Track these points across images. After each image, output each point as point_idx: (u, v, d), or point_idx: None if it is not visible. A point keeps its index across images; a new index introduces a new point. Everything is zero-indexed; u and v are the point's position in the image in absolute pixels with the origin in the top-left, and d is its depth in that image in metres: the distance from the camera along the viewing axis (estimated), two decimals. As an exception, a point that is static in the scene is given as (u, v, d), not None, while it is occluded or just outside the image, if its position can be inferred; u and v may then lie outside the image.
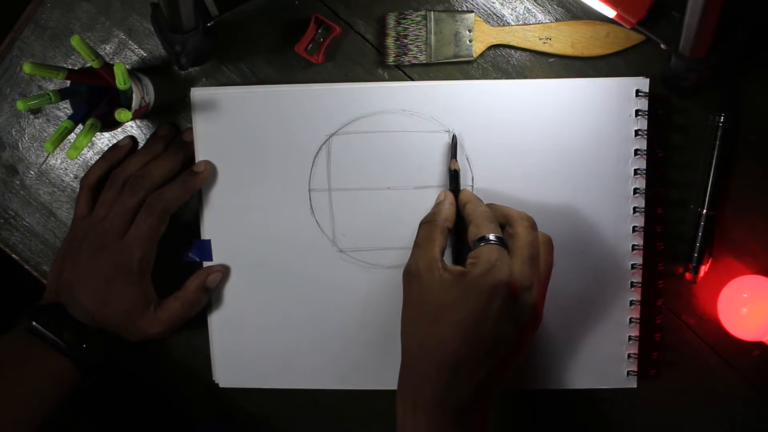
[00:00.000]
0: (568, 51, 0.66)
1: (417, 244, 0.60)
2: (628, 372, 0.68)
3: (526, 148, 0.66)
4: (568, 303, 0.67)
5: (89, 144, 0.71)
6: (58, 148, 0.69)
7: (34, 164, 0.72)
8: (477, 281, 0.56)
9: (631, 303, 0.67)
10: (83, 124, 0.61)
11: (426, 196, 0.67)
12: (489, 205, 0.62)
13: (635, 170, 0.66)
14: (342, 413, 0.72)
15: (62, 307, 0.65)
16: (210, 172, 0.68)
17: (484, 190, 0.67)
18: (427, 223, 0.62)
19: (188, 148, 0.68)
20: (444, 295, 0.57)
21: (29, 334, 0.64)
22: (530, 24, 0.67)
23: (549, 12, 0.67)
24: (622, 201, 0.66)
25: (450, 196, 0.64)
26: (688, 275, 0.67)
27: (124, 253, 0.64)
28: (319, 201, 0.68)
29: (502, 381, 0.58)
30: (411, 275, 0.59)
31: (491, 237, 0.58)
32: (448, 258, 0.63)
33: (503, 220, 0.61)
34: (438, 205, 0.64)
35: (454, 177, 0.65)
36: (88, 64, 0.60)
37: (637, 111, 0.65)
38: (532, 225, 0.59)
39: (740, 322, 0.65)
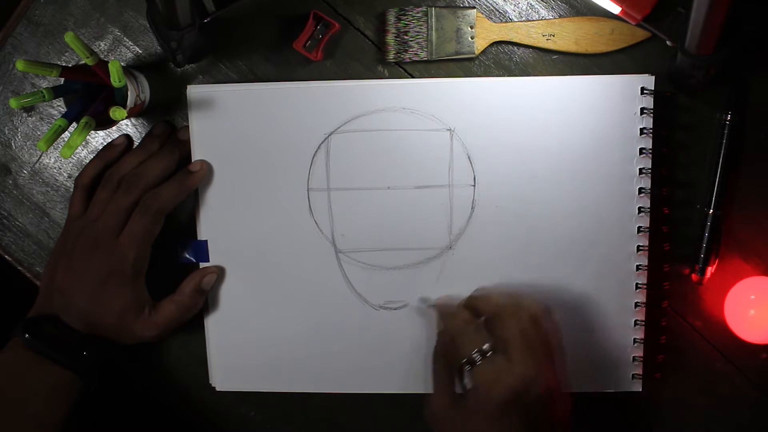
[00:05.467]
0: (571, 48, 0.66)
1: (434, 383, 0.61)
2: (633, 375, 0.67)
3: (528, 147, 0.65)
4: (571, 305, 0.66)
5: (83, 143, 0.70)
6: (52, 147, 0.69)
7: (28, 163, 0.71)
8: (487, 408, 0.56)
9: (636, 305, 0.66)
10: (77, 123, 0.60)
11: (427, 195, 0.66)
12: (472, 296, 0.63)
13: (640, 169, 0.65)
14: (340, 417, 0.71)
15: (56, 318, 0.64)
16: (206, 172, 0.67)
17: (486, 190, 0.66)
18: (436, 361, 0.62)
19: (184, 146, 0.67)
20: None
21: (27, 349, 0.63)
22: (533, 20, 0.66)
23: (552, 8, 0.66)
24: (626, 201, 0.65)
25: (441, 323, 0.63)
26: (694, 276, 0.66)
27: (117, 253, 0.64)
28: (318, 201, 0.67)
29: None
30: (433, 419, 0.60)
31: (482, 350, 0.58)
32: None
33: (488, 312, 0.60)
34: (438, 337, 0.63)
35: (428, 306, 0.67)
36: (83, 62, 0.60)
37: (642, 109, 0.64)
38: (516, 307, 0.59)
39: (747, 324, 0.65)
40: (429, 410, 0.60)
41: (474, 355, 0.58)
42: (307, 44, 0.66)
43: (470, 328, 0.59)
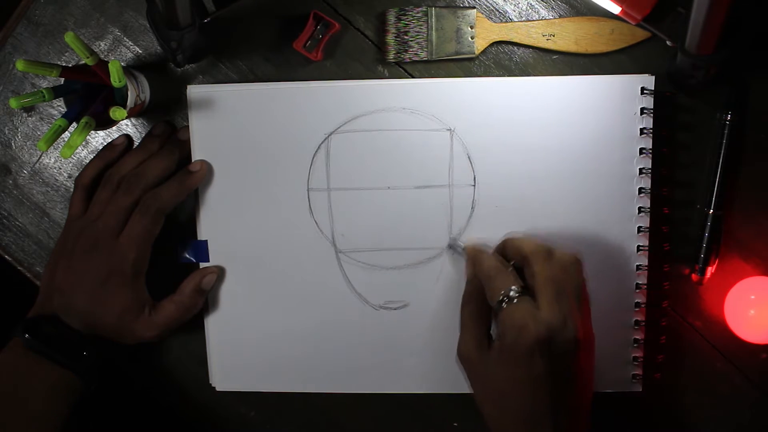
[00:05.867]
0: (571, 48, 0.66)
1: (461, 327, 0.60)
2: (633, 375, 0.67)
3: (528, 147, 0.65)
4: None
5: (83, 143, 0.70)
6: (52, 147, 0.69)
7: (28, 163, 0.71)
8: (512, 353, 0.55)
9: (637, 305, 0.66)
10: (77, 123, 0.60)
11: (427, 195, 0.66)
12: (503, 243, 0.61)
13: (640, 169, 0.65)
14: (340, 417, 0.71)
15: (56, 318, 0.64)
16: (206, 172, 0.67)
17: (486, 190, 0.66)
18: (463, 306, 0.61)
19: (184, 146, 0.67)
20: (492, 376, 0.57)
21: (27, 349, 0.63)
22: (533, 20, 0.66)
23: (552, 8, 0.66)
24: (627, 201, 0.65)
25: (470, 268, 0.62)
26: (694, 276, 0.66)
27: (117, 253, 0.64)
28: (318, 201, 0.67)
29: (587, 399, 0.58)
30: (461, 360, 0.59)
31: (509, 294, 0.57)
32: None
33: (519, 258, 0.59)
34: (467, 283, 0.62)
35: (458, 251, 0.66)
36: (83, 62, 0.60)
37: (642, 109, 0.64)
38: (548, 255, 0.58)
39: (747, 324, 0.65)
40: (457, 353, 0.60)
41: (502, 299, 0.56)
42: (307, 44, 0.66)
43: (500, 272, 0.58)
